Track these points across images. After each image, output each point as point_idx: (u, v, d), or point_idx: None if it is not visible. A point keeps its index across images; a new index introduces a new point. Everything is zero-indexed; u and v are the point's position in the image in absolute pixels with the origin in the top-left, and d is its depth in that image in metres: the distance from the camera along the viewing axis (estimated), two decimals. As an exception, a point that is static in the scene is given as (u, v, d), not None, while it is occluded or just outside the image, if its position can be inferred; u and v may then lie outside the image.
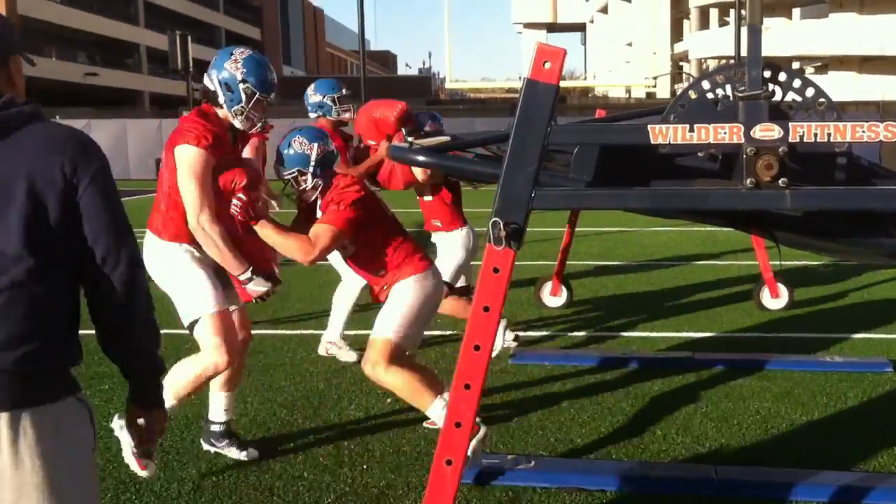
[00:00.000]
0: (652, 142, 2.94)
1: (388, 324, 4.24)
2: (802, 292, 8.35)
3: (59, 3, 50.20)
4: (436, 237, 6.31)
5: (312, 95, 6.49)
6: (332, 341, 6.41)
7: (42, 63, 47.55)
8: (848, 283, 9.16)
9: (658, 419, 5.06)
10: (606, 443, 4.70)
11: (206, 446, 4.48)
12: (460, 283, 6.30)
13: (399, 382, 4.21)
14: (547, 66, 2.80)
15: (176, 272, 4.08)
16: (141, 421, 2.28)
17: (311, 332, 7.18)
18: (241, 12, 74.83)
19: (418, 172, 5.82)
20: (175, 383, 4.10)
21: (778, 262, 6.93)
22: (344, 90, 6.52)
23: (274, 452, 4.54)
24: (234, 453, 4.43)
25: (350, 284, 6.33)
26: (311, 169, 4.19)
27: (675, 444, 4.69)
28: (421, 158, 3.24)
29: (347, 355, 6.28)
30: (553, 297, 8.16)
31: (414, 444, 4.68)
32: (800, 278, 8.99)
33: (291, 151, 4.20)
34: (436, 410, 4.19)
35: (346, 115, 6.52)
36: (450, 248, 6.20)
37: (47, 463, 2.03)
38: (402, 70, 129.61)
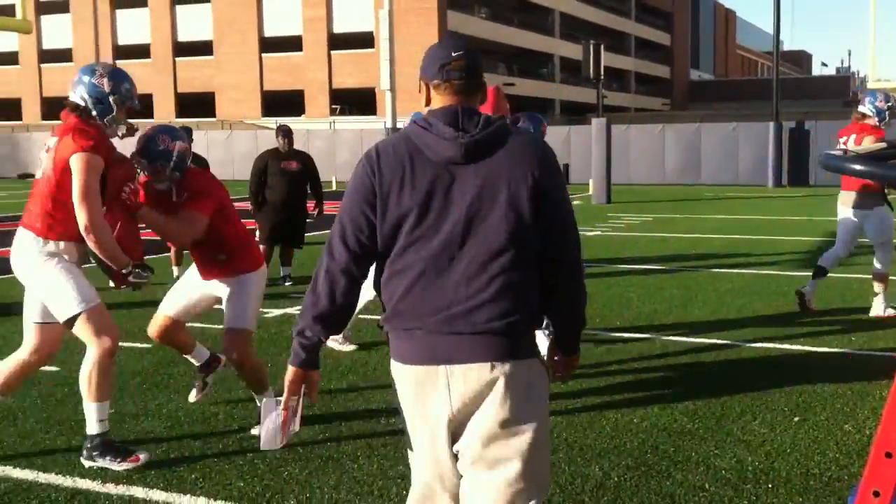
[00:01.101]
0: None
1: (245, 315, 4.99)
2: None
3: (483, 18, 53.78)
4: None
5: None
6: (335, 339, 6.91)
7: (465, 74, 51.14)
8: None
9: None
10: None
11: (86, 462, 4.50)
12: None
13: (258, 367, 5.10)
14: None
15: (57, 270, 4.38)
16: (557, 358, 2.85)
17: (715, 340, 7.05)
18: (652, 19, 74.98)
19: None
20: (86, 386, 4.44)
21: None
22: None
23: (676, 459, 4.53)
24: (115, 465, 4.46)
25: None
26: (171, 164, 4.73)
27: None
28: (857, 167, 3.00)
29: (347, 347, 6.93)
30: None
31: (823, 467, 4.42)
32: None
33: (155, 147, 4.70)
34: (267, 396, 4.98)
35: None
36: None
37: (532, 397, 2.61)
38: (816, 70, 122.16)
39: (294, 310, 8.54)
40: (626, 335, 7.36)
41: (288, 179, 9.95)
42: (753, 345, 6.99)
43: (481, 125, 2.57)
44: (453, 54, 2.65)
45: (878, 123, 7.78)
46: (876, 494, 2.51)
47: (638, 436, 4.88)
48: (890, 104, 7.81)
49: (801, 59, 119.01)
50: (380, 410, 5.39)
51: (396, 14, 39.81)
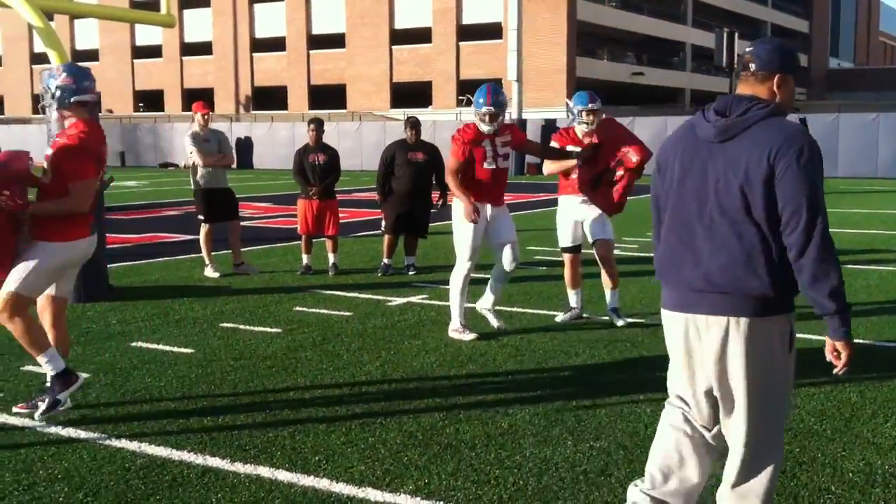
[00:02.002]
0: None
1: (17, 279, 4.86)
2: None
3: (614, 7, 52.99)
4: None
5: (569, 100, 7.38)
6: (455, 328, 7.04)
7: (594, 64, 50.60)
8: None
9: None
10: None
11: None
12: None
13: (27, 333, 4.90)
14: None
15: None
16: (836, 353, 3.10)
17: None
18: (790, 5, 72.32)
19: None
20: None
21: None
22: (590, 105, 7.17)
23: (801, 460, 4.41)
24: None
25: (460, 271, 7.03)
26: (52, 91, 5.05)
27: None
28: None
29: (467, 336, 6.95)
30: None
31: (962, 476, 4.22)
32: None
33: (50, 74, 5.13)
34: (42, 361, 4.99)
35: (583, 127, 7.24)
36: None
37: (761, 354, 3.04)
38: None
39: (417, 298, 8.68)
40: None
41: (414, 170, 10.09)
42: (888, 344, 6.71)
43: (740, 111, 3.00)
44: (746, 50, 3.14)
45: None
46: None
47: (762, 435, 4.77)
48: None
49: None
50: (498, 400, 5.43)
51: (525, 5, 39.73)
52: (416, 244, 10.52)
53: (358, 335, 7.12)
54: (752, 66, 3.07)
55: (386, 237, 10.34)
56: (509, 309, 8.11)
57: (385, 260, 10.28)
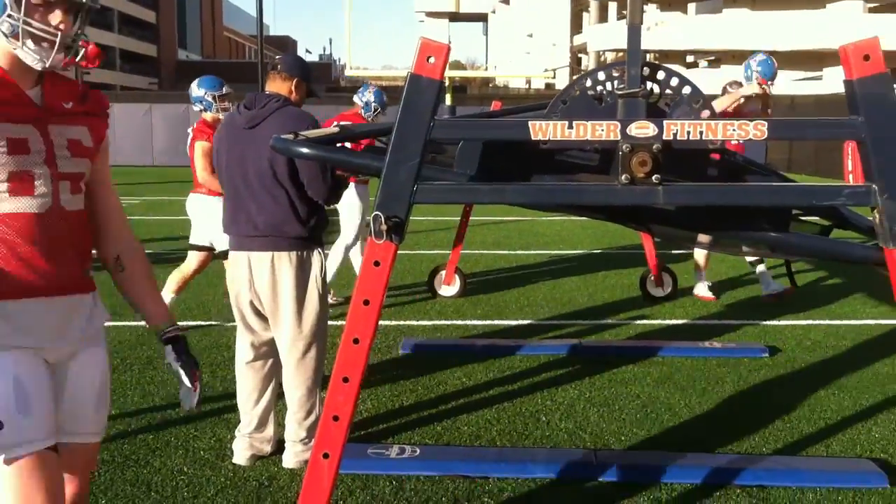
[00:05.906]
0: (532, 138, 2.96)
1: None
2: (686, 281, 8.62)
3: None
4: None
5: (196, 90, 6.87)
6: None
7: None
8: (729, 272, 9.50)
9: (542, 406, 5.17)
10: (491, 430, 4.77)
11: None
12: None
13: None
14: (431, 61, 2.80)
15: None
16: None
17: (225, 322, 7.06)
18: (137, -6, 72.73)
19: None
20: None
21: (664, 252, 7.10)
22: (225, 89, 6.89)
23: (154, 447, 4.46)
24: None
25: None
26: None
27: (559, 430, 4.79)
28: (304, 150, 3.21)
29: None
30: (446, 287, 8.23)
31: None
32: (685, 268, 9.28)
33: None
34: None
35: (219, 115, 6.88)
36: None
37: (298, 275, 4.11)
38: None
39: None
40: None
41: None
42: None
43: (262, 105, 4.07)
44: (277, 58, 4.31)
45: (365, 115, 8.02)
46: (325, 456, 2.72)
47: (115, 428, 4.73)
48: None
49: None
50: None
51: None
52: None
53: None
54: (279, 68, 4.17)
55: None
56: None
57: None
